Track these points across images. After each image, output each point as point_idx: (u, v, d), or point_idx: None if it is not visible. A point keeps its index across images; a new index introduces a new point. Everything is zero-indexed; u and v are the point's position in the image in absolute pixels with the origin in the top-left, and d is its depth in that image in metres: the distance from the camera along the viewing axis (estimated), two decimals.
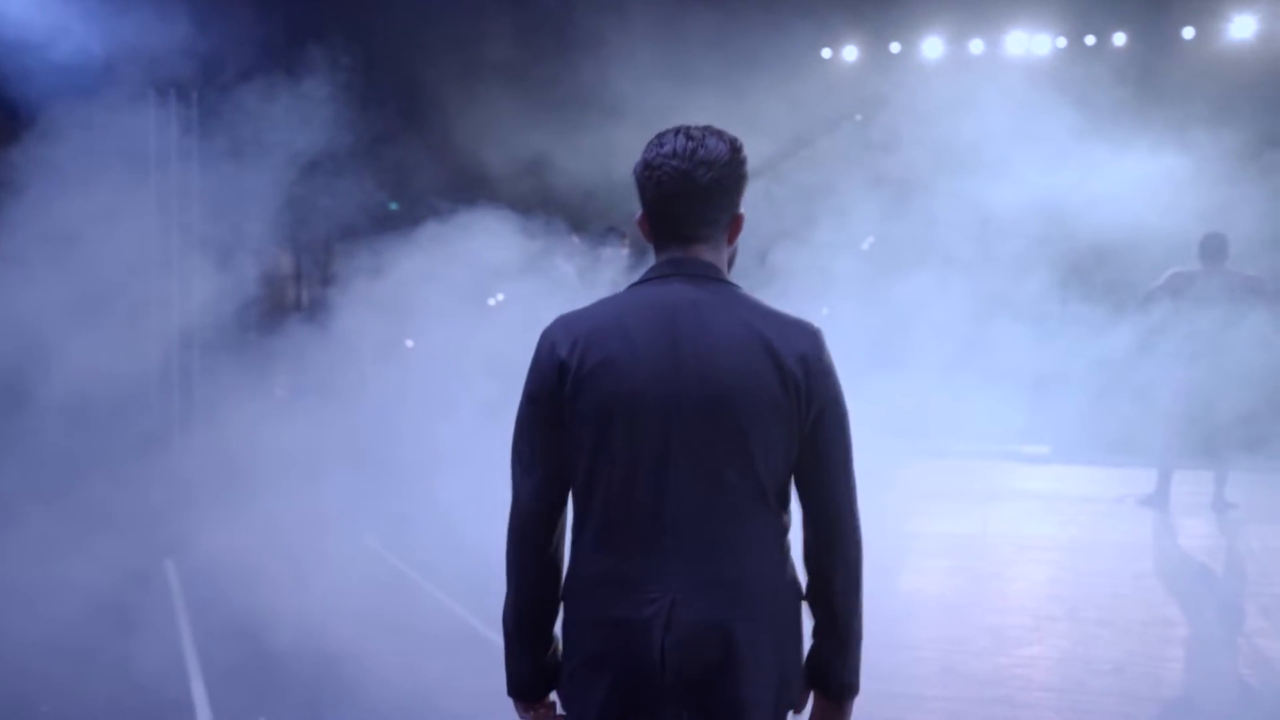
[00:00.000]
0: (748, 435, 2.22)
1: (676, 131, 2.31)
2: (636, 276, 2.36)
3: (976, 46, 11.79)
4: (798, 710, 2.38)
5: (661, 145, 2.30)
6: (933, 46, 11.84)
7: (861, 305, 7.53)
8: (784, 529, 2.32)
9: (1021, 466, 9.82)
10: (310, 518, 6.62)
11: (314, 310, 8.86)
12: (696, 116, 2.37)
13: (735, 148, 2.31)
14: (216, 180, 7.65)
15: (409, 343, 8.11)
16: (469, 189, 7.50)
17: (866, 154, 8.57)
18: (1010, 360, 8.00)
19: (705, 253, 2.33)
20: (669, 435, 2.22)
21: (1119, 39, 11.79)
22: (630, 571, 2.24)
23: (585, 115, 8.34)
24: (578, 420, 2.26)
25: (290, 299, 10.29)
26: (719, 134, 2.32)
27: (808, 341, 2.28)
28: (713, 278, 2.32)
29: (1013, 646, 5.39)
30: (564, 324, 2.32)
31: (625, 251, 8.58)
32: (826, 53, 11.99)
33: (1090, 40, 11.78)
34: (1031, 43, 11.69)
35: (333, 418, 6.94)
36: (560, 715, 2.42)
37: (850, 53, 12.04)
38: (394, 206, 8.67)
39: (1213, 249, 7.98)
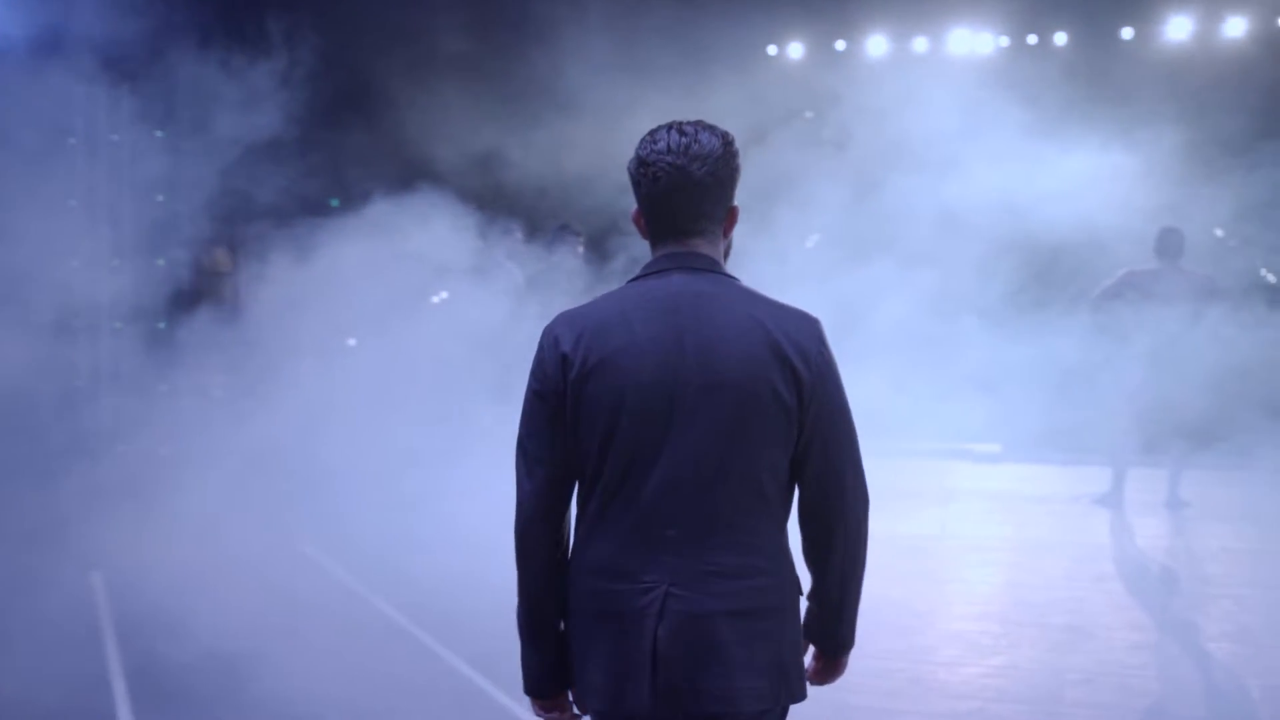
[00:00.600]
0: (750, 424, 2.26)
1: (669, 128, 2.34)
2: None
3: (920, 45, 11.76)
4: (800, 700, 2.39)
5: (655, 142, 2.33)
6: (877, 44, 11.80)
7: (808, 304, 7.37)
8: (783, 519, 2.36)
9: (974, 466, 9.77)
10: (244, 526, 6.35)
11: (248, 306, 8.51)
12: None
13: (727, 141, 2.35)
14: (149, 169, 7.29)
15: (350, 341, 7.82)
16: (416, 184, 7.20)
17: (819, 150, 8.43)
18: (960, 358, 7.93)
19: (703, 246, 2.37)
20: (672, 426, 2.26)
21: (1060, 39, 11.83)
22: (629, 561, 2.27)
23: (538, 110, 8.11)
24: (583, 414, 2.29)
25: (226, 294, 9.91)
26: (711, 128, 2.35)
27: (807, 331, 2.33)
28: (712, 270, 2.36)
29: (982, 656, 5.28)
30: (567, 319, 2.35)
31: (580, 250, 8.35)
32: (772, 49, 11.89)
33: (1032, 40, 11.81)
34: (974, 41, 11.69)
35: (270, 419, 6.64)
36: (575, 715, 2.44)
37: (796, 50, 11.96)
38: (335, 203, 8.34)
39: (1169, 245, 7.95)
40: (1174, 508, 8.11)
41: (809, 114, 9.35)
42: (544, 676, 2.40)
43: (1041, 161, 7.88)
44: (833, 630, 2.43)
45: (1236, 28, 11.37)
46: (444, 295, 8.15)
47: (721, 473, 2.25)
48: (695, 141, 2.30)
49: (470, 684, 4.84)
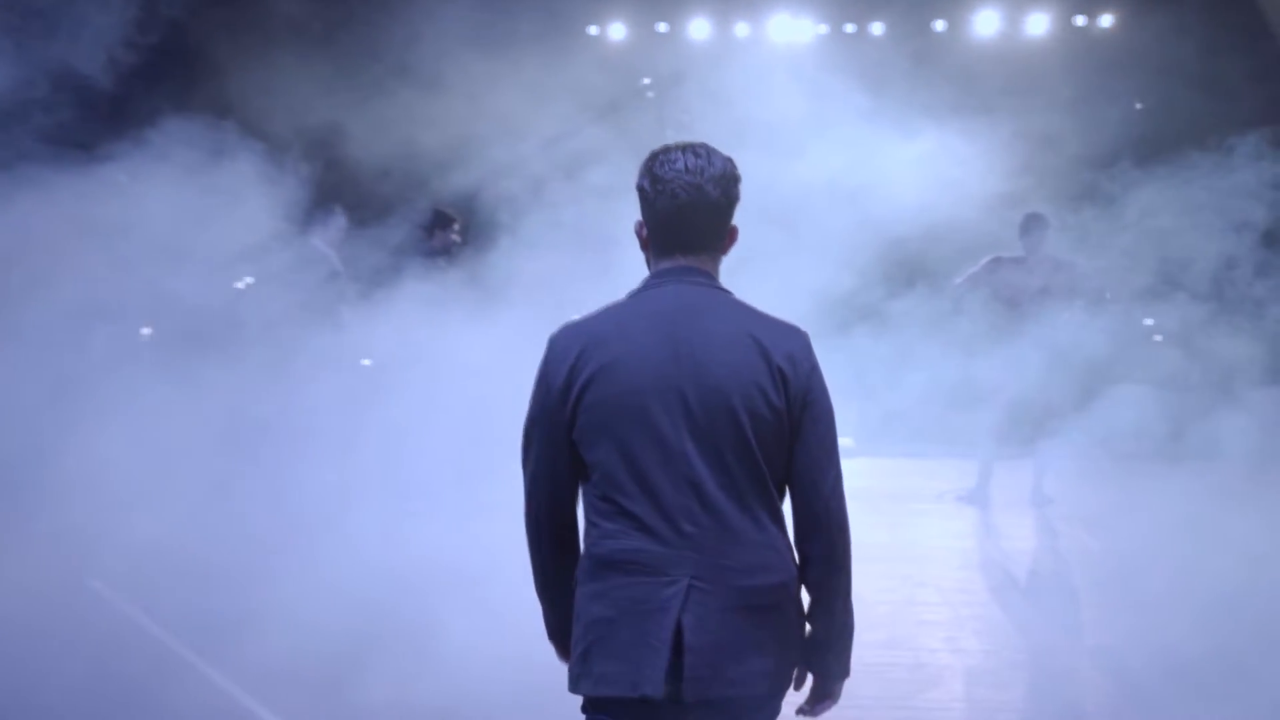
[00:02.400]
0: (746, 429, 2.43)
1: (683, 149, 2.52)
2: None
3: (742, 30, 11.76)
4: (797, 687, 2.59)
5: (672, 162, 2.50)
6: (699, 28, 11.75)
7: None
8: (782, 516, 2.53)
9: None
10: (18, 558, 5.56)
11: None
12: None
13: (733, 164, 2.56)
14: None
15: (145, 330, 7.24)
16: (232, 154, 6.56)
17: (660, 132, 8.25)
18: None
19: (705, 262, 2.56)
20: (676, 429, 2.42)
21: (877, 28, 12.03)
22: (647, 556, 2.43)
23: (382, 82, 7.63)
24: (588, 419, 2.46)
25: None
26: (717, 152, 2.55)
27: (796, 342, 2.51)
28: (708, 285, 2.55)
29: (905, 695, 4.78)
30: (572, 329, 2.54)
31: (456, 239, 7.74)
32: (593, 29, 11.69)
33: (850, 29, 11.96)
34: (794, 28, 11.75)
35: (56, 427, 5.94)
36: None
37: (617, 30, 11.78)
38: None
39: (1034, 228, 7.92)
40: (1039, 504, 8.05)
41: (650, 94, 9.15)
42: (561, 626, 2.61)
43: (873, 150, 7.84)
44: (829, 661, 2.57)
45: (1039, 24, 11.80)
46: (249, 281, 7.64)
47: (728, 472, 2.43)
48: (710, 164, 2.50)
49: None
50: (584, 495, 2.54)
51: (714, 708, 2.44)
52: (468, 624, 4.84)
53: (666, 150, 2.52)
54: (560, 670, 2.60)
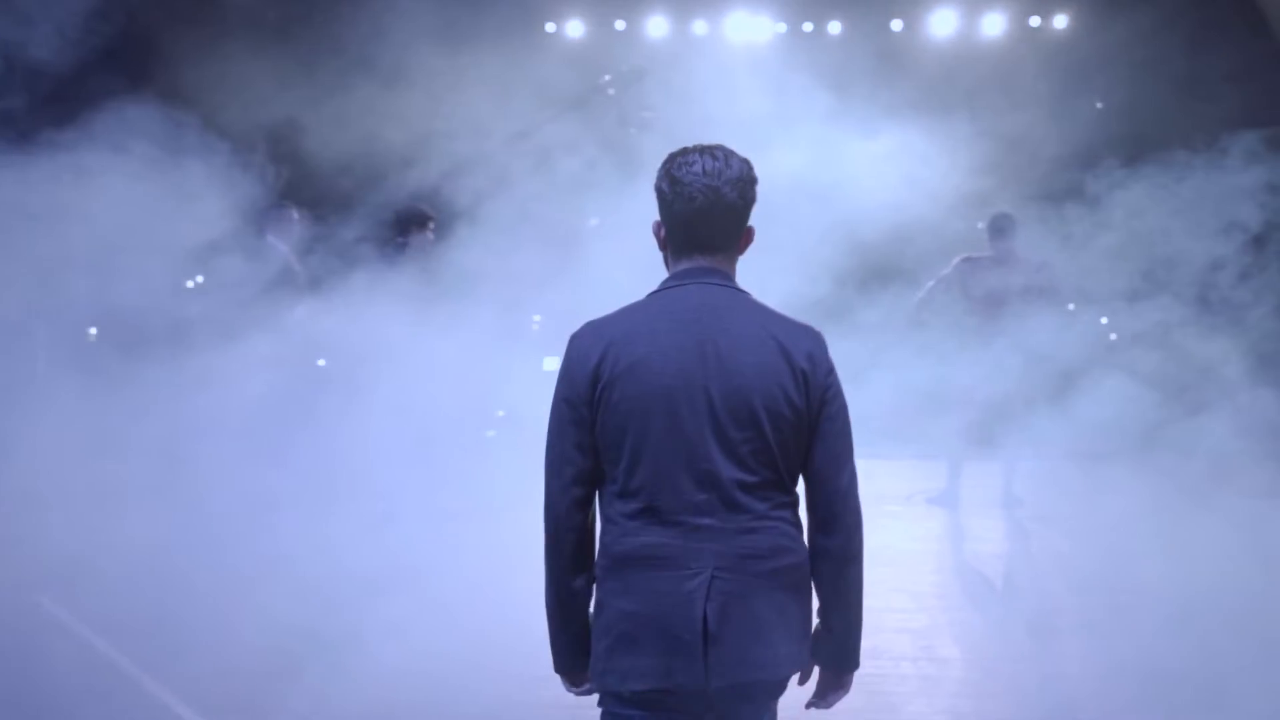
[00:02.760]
0: (767, 425, 2.49)
1: (700, 151, 2.57)
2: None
3: (700, 28, 11.70)
4: (806, 676, 2.64)
5: (691, 164, 2.55)
6: (657, 25, 11.68)
7: (591, 294, 6.99)
8: (797, 507, 2.59)
9: None
10: None
11: None
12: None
13: (750, 167, 2.60)
14: None
15: (91, 330, 6.98)
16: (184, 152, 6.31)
17: (617, 130, 8.11)
18: None
19: (722, 263, 2.61)
20: (700, 426, 2.47)
21: (835, 27, 12.00)
22: (670, 550, 2.48)
23: (341, 77, 7.40)
24: (612, 416, 2.50)
25: None
26: (734, 154, 2.59)
27: (813, 342, 2.58)
28: (727, 285, 2.60)
29: (891, 707, 4.65)
30: (595, 329, 2.58)
31: (431, 237, 7.45)
32: (551, 27, 11.56)
33: (808, 27, 11.93)
34: (753, 26, 11.69)
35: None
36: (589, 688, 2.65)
37: (575, 28, 11.66)
38: None
39: (1001, 229, 7.86)
40: (1010, 506, 7.99)
41: (610, 91, 9.01)
42: (576, 655, 2.62)
43: (835, 149, 7.75)
44: (838, 651, 2.63)
45: (995, 24, 11.82)
46: (199, 279, 7.39)
47: (748, 467, 2.48)
48: (728, 166, 2.55)
49: None
50: (602, 496, 2.58)
51: (740, 692, 2.52)
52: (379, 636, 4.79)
53: (685, 153, 2.57)
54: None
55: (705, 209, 2.53)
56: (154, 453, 6.12)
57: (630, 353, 2.49)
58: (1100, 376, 7.02)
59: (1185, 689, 4.57)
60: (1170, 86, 8.97)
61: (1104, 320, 8.59)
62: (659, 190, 2.58)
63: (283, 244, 7.63)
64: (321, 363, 7.36)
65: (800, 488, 2.60)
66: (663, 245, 2.65)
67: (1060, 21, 11.98)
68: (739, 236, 2.63)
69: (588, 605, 2.62)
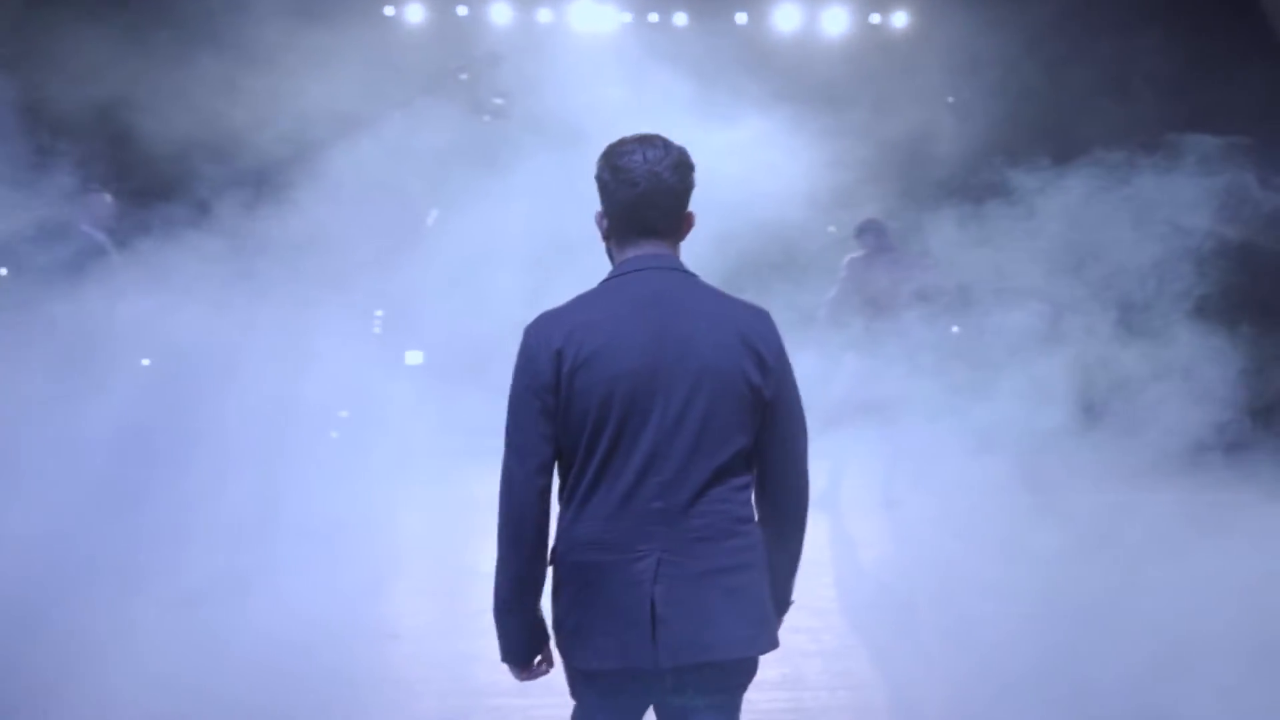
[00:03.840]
0: (725, 406, 2.57)
1: (639, 141, 2.66)
2: None
3: (545, 16, 11.46)
4: (774, 649, 2.69)
5: (631, 153, 2.63)
6: (501, 12, 11.40)
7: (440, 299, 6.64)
8: (751, 488, 2.68)
9: None
10: None
11: None
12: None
13: (687, 153, 2.69)
14: None
15: None
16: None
17: (472, 118, 7.77)
18: None
19: (669, 247, 2.71)
20: (656, 411, 2.55)
21: (680, 19, 11.92)
22: (622, 534, 2.55)
23: (175, 53, 6.87)
24: (574, 404, 2.56)
25: None
26: (671, 142, 2.68)
27: (764, 322, 2.68)
28: (678, 269, 2.69)
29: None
30: (553, 318, 2.63)
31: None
32: (389, 10, 11.11)
33: (654, 18, 11.81)
34: (598, 15, 11.49)
35: None
36: (547, 668, 2.74)
37: (415, 12, 11.26)
38: None
39: (872, 237, 7.86)
40: (891, 506, 7.90)
41: (463, 76, 8.63)
42: (526, 642, 2.68)
43: (693, 140, 7.54)
44: (783, 593, 2.78)
45: (836, 20, 11.93)
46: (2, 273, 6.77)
47: (700, 450, 2.55)
48: (667, 153, 2.64)
49: None
50: (561, 480, 2.63)
51: (696, 672, 2.57)
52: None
53: (623, 143, 2.65)
54: None
55: (648, 193, 2.61)
56: None
57: (592, 340, 2.55)
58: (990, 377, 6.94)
59: (1106, 690, 4.45)
60: (1020, 82, 9.14)
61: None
62: (600, 180, 2.66)
63: (98, 231, 7.04)
64: (146, 362, 6.84)
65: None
66: (605, 236, 2.72)
67: (900, 19, 12.17)
68: (681, 220, 2.70)
69: (541, 592, 2.66)
